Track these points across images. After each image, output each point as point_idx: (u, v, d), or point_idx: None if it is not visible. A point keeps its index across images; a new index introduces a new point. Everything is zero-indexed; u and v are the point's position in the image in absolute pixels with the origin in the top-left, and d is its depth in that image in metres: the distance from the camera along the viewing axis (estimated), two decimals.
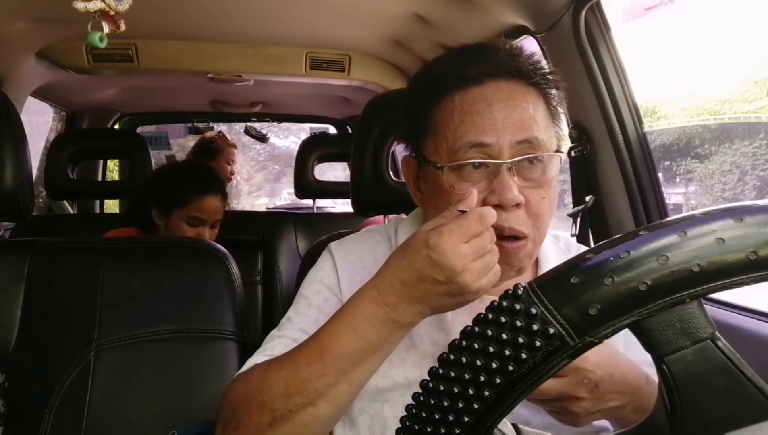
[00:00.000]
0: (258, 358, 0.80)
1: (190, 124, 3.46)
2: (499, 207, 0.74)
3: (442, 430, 0.40)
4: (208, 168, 1.93)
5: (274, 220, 2.31)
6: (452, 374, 0.40)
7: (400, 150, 1.96)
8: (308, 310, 0.85)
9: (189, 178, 1.76)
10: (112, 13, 0.87)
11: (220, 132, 3.33)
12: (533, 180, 0.76)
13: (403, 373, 0.81)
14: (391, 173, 1.25)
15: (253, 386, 0.72)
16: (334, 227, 1.40)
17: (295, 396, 0.69)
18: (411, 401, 0.42)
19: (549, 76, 0.78)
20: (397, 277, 0.67)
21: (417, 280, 0.66)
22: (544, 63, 0.80)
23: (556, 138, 0.80)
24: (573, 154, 1.48)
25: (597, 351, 0.68)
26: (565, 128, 0.83)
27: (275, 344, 0.82)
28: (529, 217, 0.76)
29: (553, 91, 0.79)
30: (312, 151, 2.39)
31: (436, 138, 0.78)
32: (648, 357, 0.39)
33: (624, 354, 0.76)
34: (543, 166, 0.76)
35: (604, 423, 0.85)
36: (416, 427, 0.41)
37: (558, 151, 0.79)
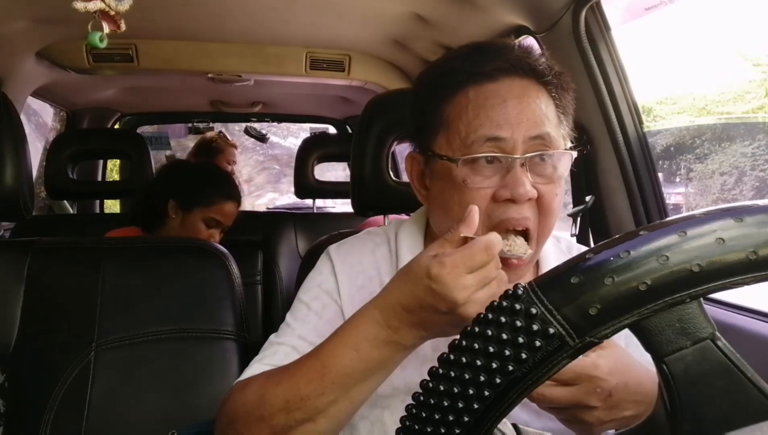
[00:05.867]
0: (257, 366, 0.80)
1: (190, 124, 3.46)
2: (510, 201, 0.74)
3: (442, 430, 0.40)
4: (230, 174, 1.99)
5: (274, 220, 2.31)
6: (452, 374, 0.40)
7: (400, 150, 1.96)
8: (307, 315, 0.85)
9: (217, 181, 1.82)
10: (112, 13, 0.87)
11: (220, 132, 3.33)
12: (545, 176, 0.76)
13: (403, 379, 0.80)
14: (391, 173, 1.25)
15: (252, 399, 0.72)
16: (334, 227, 1.40)
17: (295, 412, 0.68)
18: (411, 402, 0.42)
19: (560, 77, 0.79)
20: (399, 302, 0.66)
21: (418, 307, 0.65)
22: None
23: (564, 137, 0.80)
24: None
25: (611, 359, 0.68)
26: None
27: (275, 351, 0.81)
28: (540, 213, 0.77)
29: (563, 92, 0.80)
30: (312, 151, 2.39)
31: (449, 132, 0.78)
32: (648, 357, 0.39)
33: (639, 361, 0.76)
34: (554, 163, 0.77)
35: None
36: (416, 428, 0.41)
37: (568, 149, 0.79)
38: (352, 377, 0.68)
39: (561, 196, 0.79)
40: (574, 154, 0.79)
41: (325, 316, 0.84)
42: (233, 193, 1.82)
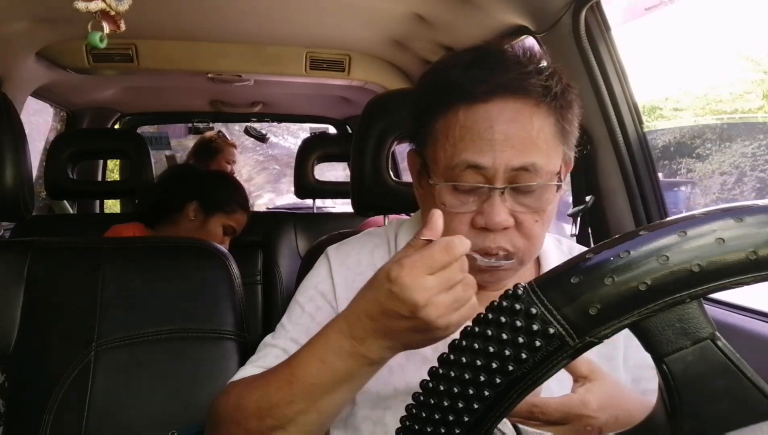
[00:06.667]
0: (249, 369, 0.80)
1: (190, 124, 3.46)
2: (486, 229, 0.74)
3: (442, 430, 0.40)
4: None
5: (274, 220, 2.31)
6: (452, 374, 0.40)
7: (400, 150, 1.96)
8: (300, 317, 0.85)
9: (241, 192, 1.93)
10: (112, 13, 0.87)
11: (219, 131, 3.33)
12: (527, 205, 0.75)
13: (403, 380, 0.80)
14: (391, 173, 1.25)
15: (232, 403, 0.73)
16: (334, 227, 1.40)
17: (267, 419, 0.69)
18: (411, 401, 0.42)
19: (564, 95, 0.75)
20: (363, 310, 0.64)
21: (381, 314, 0.63)
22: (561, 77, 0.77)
23: (563, 157, 0.78)
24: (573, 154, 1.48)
25: (599, 392, 0.67)
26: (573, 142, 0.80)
27: (267, 353, 0.82)
28: (521, 238, 0.76)
29: (565, 111, 0.76)
30: (312, 151, 2.38)
31: (436, 147, 0.77)
32: (649, 359, 0.39)
33: (630, 387, 0.75)
34: (538, 194, 0.75)
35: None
36: (416, 427, 0.41)
37: (559, 173, 0.77)
38: (318, 388, 0.67)
39: (547, 220, 0.77)
40: (561, 185, 0.77)
41: (317, 318, 0.84)
42: (247, 204, 1.93)
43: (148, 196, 1.94)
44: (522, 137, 0.72)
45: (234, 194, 1.88)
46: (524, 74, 0.73)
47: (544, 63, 0.77)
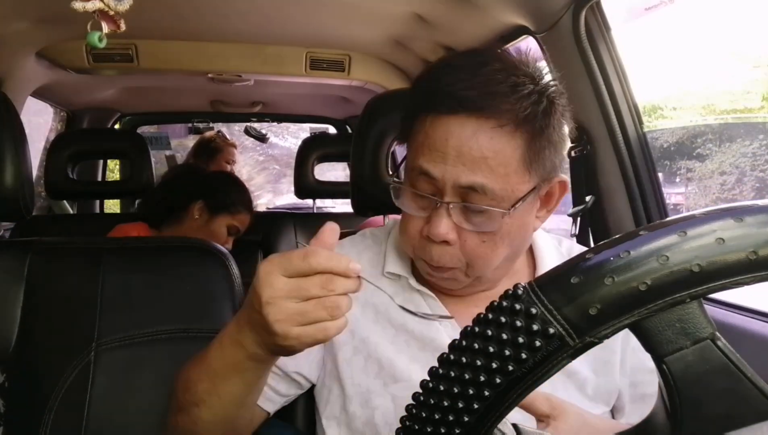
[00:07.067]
0: None
1: (190, 124, 3.46)
2: (430, 238, 0.75)
3: (442, 430, 0.40)
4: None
5: (274, 220, 2.31)
6: (452, 374, 0.40)
7: (400, 150, 1.96)
8: None
9: (244, 192, 1.94)
10: (111, 13, 0.87)
11: (219, 131, 3.33)
12: (476, 224, 0.74)
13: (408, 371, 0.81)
14: (391, 173, 1.25)
15: (179, 375, 0.78)
16: None
17: (187, 393, 0.73)
18: (411, 401, 0.42)
19: (544, 118, 0.72)
20: (247, 299, 0.65)
21: (247, 302, 0.64)
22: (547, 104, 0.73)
23: (531, 181, 0.74)
24: (573, 154, 1.48)
25: (566, 426, 0.66)
26: (551, 164, 0.76)
27: None
28: (463, 255, 0.76)
29: (537, 137, 0.73)
30: (312, 151, 2.39)
31: (409, 149, 0.79)
32: (647, 363, 0.39)
33: (591, 412, 0.75)
34: (487, 217, 0.73)
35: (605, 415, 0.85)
36: (416, 427, 0.41)
37: (518, 200, 0.74)
38: (217, 371, 0.70)
39: (499, 242, 0.75)
40: (507, 213, 0.73)
41: None
42: (251, 205, 1.95)
43: (153, 195, 1.95)
44: (474, 157, 0.71)
45: (239, 195, 1.89)
46: (491, 94, 0.71)
47: (534, 78, 0.74)
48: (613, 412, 0.87)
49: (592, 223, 1.52)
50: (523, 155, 0.73)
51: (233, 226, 1.85)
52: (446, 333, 0.82)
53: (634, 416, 0.84)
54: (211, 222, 1.82)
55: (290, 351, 0.63)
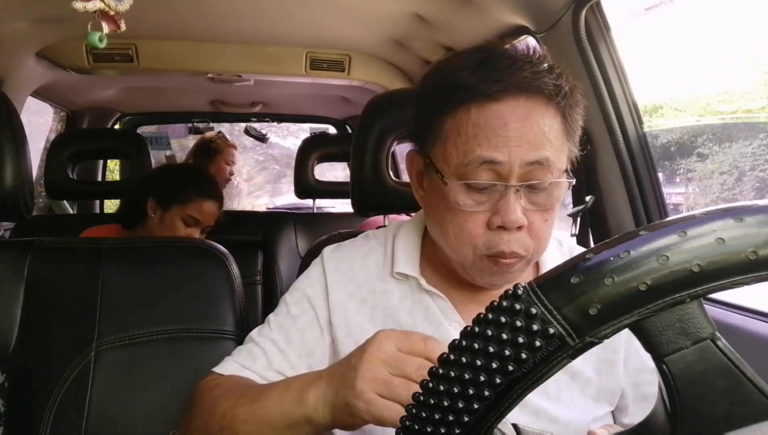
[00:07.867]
0: (231, 364, 0.84)
1: (190, 124, 3.46)
2: (501, 228, 0.74)
3: (442, 430, 0.40)
4: (212, 175, 2.02)
5: (274, 220, 2.31)
6: (452, 374, 0.40)
7: (400, 150, 1.96)
8: (285, 318, 0.86)
9: (195, 179, 1.83)
10: (112, 13, 0.87)
11: (219, 132, 3.33)
12: (538, 203, 0.75)
13: None
14: (391, 173, 1.25)
15: (210, 400, 0.77)
16: (334, 227, 1.40)
17: (225, 430, 0.72)
18: (411, 401, 0.42)
19: (572, 94, 0.76)
20: (328, 371, 0.68)
21: (346, 356, 0.67)
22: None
23: (568, 155, 0.78)
24: None
25: None
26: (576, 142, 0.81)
27: (249, 350, 0.85)
28: (531, 239, 0.76)
29: (572, 109, 0.77)
30: (312, 151, 2.39)
31: (446, 146, 0.76)
32: (649, 363, 0.39)
33: None
34: (549, 191, 0.75)
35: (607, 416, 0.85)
36: (416, 427, 0.41)
37: (568, 171, 0.78)
38: (269, 422, 0.69)
39: (554, 219, 0.78)
40: (573, 181, 0.78)
41: (299, 323, 0.85)
42: (212, 192, 1.83)
43: (123, 200, 1.93)
44: (536, 133, 0.73)
45: (189, 184, 1.80)
46: (536, 73, 0.74)
47: (551, 62, 0.78)
48: (616, 412, 0.87)
49: (592, 223, 1.52)
50: (563, 129, 0.76)
51: (189, 217, 1.76)
52: (457, 334, 0.82)
53: (637, 416, 0.84)
54: (164, 217, 1.75)
55: (352, 413, 0.63)
